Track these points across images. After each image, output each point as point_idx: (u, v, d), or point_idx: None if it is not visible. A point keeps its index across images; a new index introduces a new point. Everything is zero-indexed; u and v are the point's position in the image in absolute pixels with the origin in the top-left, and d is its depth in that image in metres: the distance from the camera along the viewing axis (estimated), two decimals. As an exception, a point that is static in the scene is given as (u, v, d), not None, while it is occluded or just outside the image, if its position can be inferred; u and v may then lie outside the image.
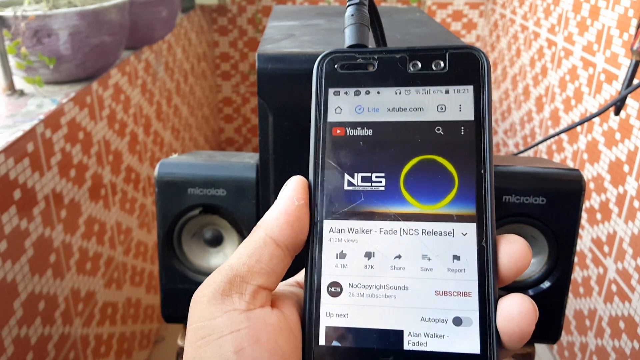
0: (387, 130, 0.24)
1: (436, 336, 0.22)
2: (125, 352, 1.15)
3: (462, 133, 0.23)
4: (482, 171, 0.23)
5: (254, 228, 0.24)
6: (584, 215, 1.22)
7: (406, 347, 0.22)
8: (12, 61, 0.86)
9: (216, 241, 0.53)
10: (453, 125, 0.24)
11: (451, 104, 0.24)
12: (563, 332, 1.05)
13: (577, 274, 1.25)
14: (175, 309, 0.53)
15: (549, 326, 0.53)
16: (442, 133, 0.24)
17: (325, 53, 0.25)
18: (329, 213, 0.23)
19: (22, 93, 0.87)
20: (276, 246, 0.23)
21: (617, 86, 1.10)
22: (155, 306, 1.37)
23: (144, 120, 1.28)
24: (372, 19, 0.32)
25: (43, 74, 0.89)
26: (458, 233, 0.23)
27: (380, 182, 0.23)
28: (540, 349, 1.38)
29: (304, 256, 0.23)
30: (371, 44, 0.32)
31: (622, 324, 1.04)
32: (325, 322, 0.22)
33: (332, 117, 0.24)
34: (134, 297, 1.21)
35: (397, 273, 0.22)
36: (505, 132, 1.90)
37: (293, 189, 0.23)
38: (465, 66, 0.24)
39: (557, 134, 0.68)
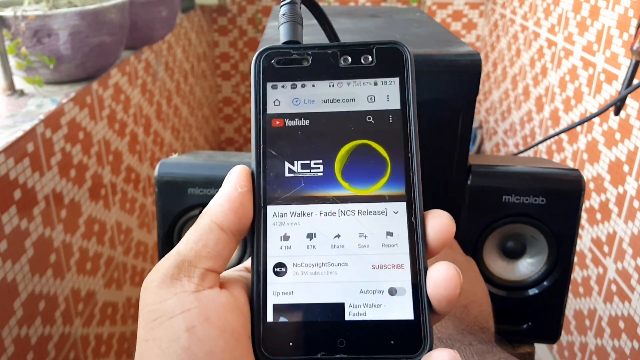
0: (323, 120, 0.26)
1: (374, 306, 0.24)
2: (125, 352, 1.15)
3: (391, 121, 0.26)
4: (410, 155, 0.25)
5: (200, 215, 0.25)
6: (583, 215, 1.22)
7: (347, 317, 0.24)
8: (12, 61, 0.86)
9: (216, 241, 0.53)
10: (382, 114, 0.26)
11: (380, 94, 0.26)
12: (563, 332, 1.05)
13: (577, 274, 1.25)
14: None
15: (548, 326, 0.53)
16: (373, 121, 0.26)
17: (261, 49, 0.27)
18: (272, 199, 0.25)
19: (22, 93, 0.87)
20: (221, 231, 0.24)
21: (617, 86, 1.10)
22: (155, 306, 1.37)
23: (144, 120, 1.28)
24: (320, 18, 0.35)
25: (43, 74, 0.89)
26: (390, 212, 0.25)
27: (319, 168, 0.25)
28: (540, 348, 1.38)
29: (251, 240, 0.25)
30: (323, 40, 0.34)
31: (621, 324, 1.04)
32: (272, 300, 0.24)
33: (271, 109, 0.26)
34: (134, 297, 1.21)
35: (337, 251, 0.25)
36: (505, 132, 1.90)
37: (236, 177, 0.25)
38: (391, 60, 0.27)
39: (557, 134, 0.68)
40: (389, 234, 0.25)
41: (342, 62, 0.27)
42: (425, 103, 0.46)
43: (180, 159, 0.52)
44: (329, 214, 0.25)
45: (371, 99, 0.26)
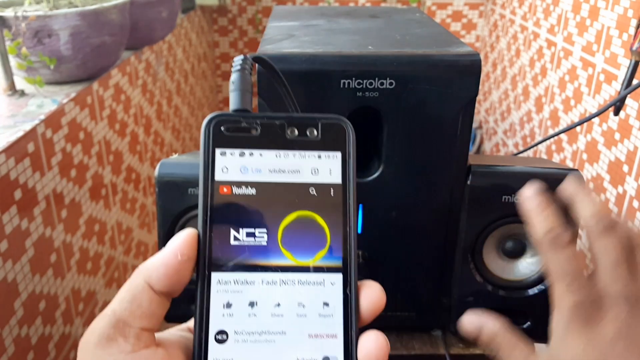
0: (268, 190, 0.27)
1: None
2: (125, 352, 1.15)
3: (332, 194, 0.27)
4: (347, 228, 0.26)
5: (135, 271, 0.25)
6: (583, 215, 1.22)
7: None
8: (13, 61, 0.86)
9: (216, 241, 0.53)
10: (324, 187, 0.27)
11: (323, 167, 0.27)
12: (563, 332, 1.05)
13: (576, 274, 1.25)
14: (175, 308, 0.53)
15: (548, 326, 0.53)
16: (315, 194, 0.27)
17: (212, 116, 0.28)
18: (216, 266, 0.26)
19: (22, 93, 0.88)
20: (153, 292, 0.25)
21: (617, 86, 1.11)
22: (155, 306, 1.37)
23: (144, 121, 1.28)
24: (278, 81, 0.35)
25: (44, 74, 0.89)
26: (328, 283, 0.26)
27: (263, 237, 0.26)
28: (540, 349, 1.38)
29: (194, 306, 0.26)
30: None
31: (621, 324, 1.04)
32: None
33: (219, 176, 0.27)
34: (134, 297, 1.21)
35: (276, 320, 0.25)
36: (505, 132, 1.90)
37: (179, 243, 0.25)
38: (334, 134, 0.27)
39: (557, 134, 0.68)
40: (325, 304, 0.26)
41: (289, 134, 0.27)
42: (426, 103, 0.46)
43: (181, 159, 0.52)
44: (271, 282, 0.26)
45: (315, 171, 0.27)
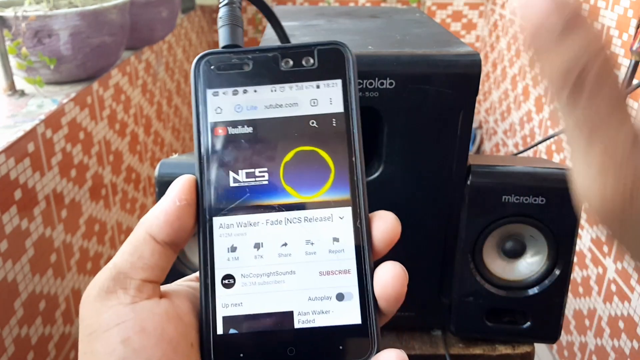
0: (266, 127, 0.25)
1: (322, 312, 0.24)
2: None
3: (334, 124, 0.25)
4: (353, 159, 0.25)
5: (137, 225, 0.25)
6: (583, 215, 1.22)
7: (296, 325, 0.24)
8: (13, 61, 0.86)
9: (216, 241, 0.53)
10: (325, 118, 0.26)
11: (322, 97, 0.26)
12: (562, 332, 1.06)
13: (576, 274, 1.25)
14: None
15: (548, 326, 0.53)
16: (317, 126, 0.25)
17: (201, 55, 0.26)
18: (217, 210, 0.25)
19: (22, 93, 0.87)
20: (156, 243, 0.24)
21: (617, 86, 1.10)
22: (155, 306, 1.38)
23: (144, 121, 1.28)
24: (269, 17, 0.34)
25: (44, 74, 0.89)
26: (336, 217, 0.25)
27: (263, 176, 0.25)
28: (540, 348, 1.38)
29: (198, 252, 0.25)
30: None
31: (621, 324, 1.04)
32: (221, 313, 0.24)
33: (212, 117, 0.26)
34: (134, 297, 1.21)
35: (284, 260, 0.24)
36: (505, 132, 1.90)
37: (177, 190, 0.25)
38: (333, 61, 0.26)
39: (557, 134, 0.68)
40: (335, 239, 0.25)
41: (284, 65, 0.26)
42: (425, 103, 0.46)
43: (181, 159, 0.52)
44: (276, 222, 0.25)
45: (314, 102, 0.26)
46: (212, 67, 0.26)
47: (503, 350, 0.55)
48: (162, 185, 0.50)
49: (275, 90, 0.26)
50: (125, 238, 1.08)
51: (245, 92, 0.26)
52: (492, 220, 0.51)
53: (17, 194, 0.70)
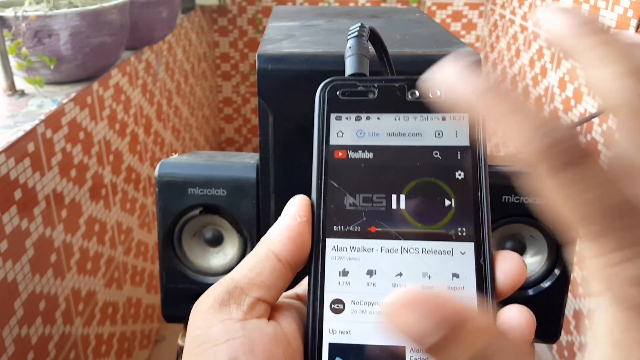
0: (387, 154, 0.25)
1: None
2: (125, 351, 1.15)
3: (459, 157, 0.25)
4: (479, 193, 0.24)
5: (258, 243, 0.24)
6: (583, 215, 1.22)
7: None
8: (13, 61, 0.86)
9: (216, 241, 0.53)
10: (450, 150, 0.25)
11: (448, 130, 0.25)
12: (563, 332, 1.05)
13: (576, 274, 1.25)
14: (175, 308, 0.53)
15: (548, 326, 0.53)
16: (440, 157, 0.25)
17: (327, 80, 0.27)
18: (331, 232, 0.24)
19: (22, 93, 0.88)
20: (277, 261, 0.23)
21: (617, 86, 1.10)
22: (155, 306, 1.38)
23: (144, 121, 1.28)
24: (380, 51, 0.34)
25: (44, 74, 0.89)
26: (457, 252, 0.24)
27: (381, 202, 0.24)
28: (540, 348, 1.38)
29: (308, 273, 0.24)
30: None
31: (621, 324, 1.04)
32: (328, 339, 0.23)
33: (334, 140, 0.25)
34: (134, 296, 1.21)
35: None
36: (505, 132, 1.90)
37: (296, 207, 0.24)
38: None
39: (557, 134, 0.68)
40: (455, 275, 0.23)
41: (409, 96, 0.26)
42: (425, 103, 0.46)
43: (181, 159, 0.52)
44: (391, 250, 0.24)
45: (439, 134, 0.25)
46: (337, 92, 0.26)
47: (503, 351, 0.55)
48: (162, 185, 0.50)
49: (399, 119, 0.26)
50: (126, 238, 1.09)
51: (368, 118, 0.26)
52: (492, 221, 0.51)
53: (17, 194, 0.70)
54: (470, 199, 0.24)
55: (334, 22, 0.58)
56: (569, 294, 0.53)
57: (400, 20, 0.60)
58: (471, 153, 0.25)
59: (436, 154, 0.25)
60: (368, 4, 2.13)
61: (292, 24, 0.57)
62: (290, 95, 0.45)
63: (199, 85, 1.97)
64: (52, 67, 0.86)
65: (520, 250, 0.53)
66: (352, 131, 0.25)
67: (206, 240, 0.53)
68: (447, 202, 0.24)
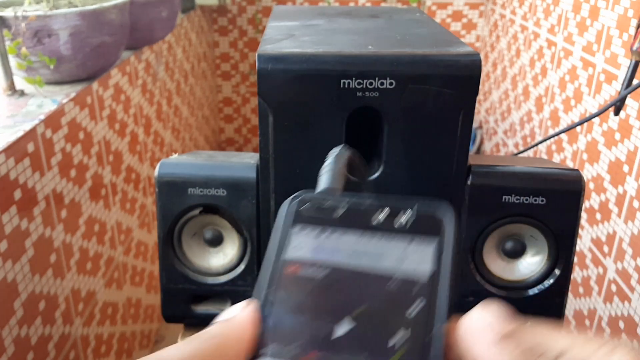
0: (342, 275, 0.24)
1: None
2: (125, 351, 1.15)
3: (419, 288, 0.23)
4: (435, 329, 0.22)
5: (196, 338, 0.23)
6: (583, 215, 1.22)
7: None
8: (13, 61, 0.86)
9: (216, 241, 0.53)
10: (409, 279, 0.23)
11: (411, 257, 0.24)
12: (563, 332, 1.05)
13: (576, 274, 1.25)
14: (175, 308, 0.53)
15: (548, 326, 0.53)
16: (397, 286, 0.23)
17: (298, 193, 0.26)
18: (267, 350, 0.23)
19: (22, 93, 0.87)
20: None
21: (617, 86, 1.11)
22: (155, 306, 1.38)
23: (144, 121, 1.28)
24: (359, 174, 0.34)
25: (43, 74, 0.89)
26: None
27: (326, 326, 0.23)
28: None
29: None
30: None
31: (621, 324, 1.04)
32: None
33: (290, 253, 0.25)
34: (134, 297, 1.21)
35: None
36: (505, 132, 1.90)
37: (238, 320, 0.23)
38: (430, 221, 0.24)
39: (557, 134, 0.68)
40: None
41: (377, 217, 0.25)
42: (425, 103, 0.46)
43: (181, 159, 0.52)
44: None
45: (401, 260, 0.24)
46: (304, 205, 0.25)
47: (503, 351, 0.55)
48: (162, 185, 0.50)
49: (361, 241, 0.24)
50: (125, 238, 1.09)
51: (329, 236, 0.25)
52: (492, 220, 0.51)
53: (17, 194, 0.70)
54: (421, 338, 0.22)
55: (334, 22, 0.58)
56: (569, 294, 0.53)
57: (400, 20, 0.60)
58: (432, 284, 0.23)
59: (395, 281, 0.23)
60: (368, 4, 2.13)
61: (292, 24, 0.57)
62: (290, 95, 0.45)
63: (198, 85, 1.97)
64: (52, 67, 0.86)
65: (520, 250, 0.53)
66: (310, 247, 0.25)
67: (206, 240, 0.53)
68: (398, 337, 0.22)
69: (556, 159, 1.40)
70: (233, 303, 0.44)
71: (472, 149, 2.16)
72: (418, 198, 0.25)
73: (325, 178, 0.29)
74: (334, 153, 0.30)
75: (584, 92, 1.25)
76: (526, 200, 0.49)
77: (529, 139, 1.65)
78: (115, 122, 1.08)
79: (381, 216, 0.25)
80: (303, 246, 0.25)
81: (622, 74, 1.09)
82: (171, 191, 0.50)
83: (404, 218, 0.24)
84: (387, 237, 0.24)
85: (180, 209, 0.50)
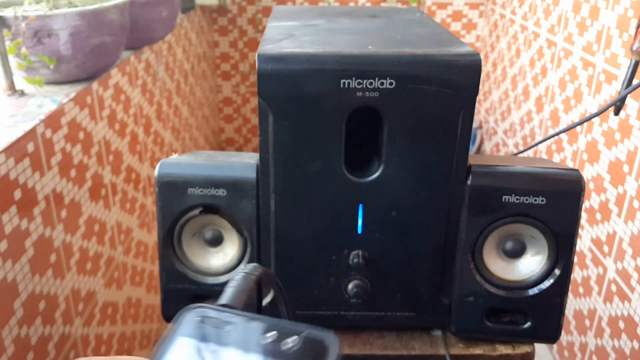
0: None
1: None
2: (125, 351, 1.15)
3: None
4: None
5: None
6: (583, 215, 1.22)
7: None
8: (13, 61, 0.86)
9: (216, 241, 0.53)
10: None
11: None
12: (563, 332, 1.06)
13: (576, 274, 1.25)
14: (175, 308, 0.53)
15: (548, 326, 0.53)
16: None
17: (195, 305, 0.26)
18: None
19: (22, 93, 0.87)
20: None
21: (617, 86, 1.11)
22: (155, 306, 1.38)
23: (144, 121, 1.28)
24: (277, 290, 0.36)
25: (43, 74, 0.89)
26: None
27: None
28: (540, 348, 1.38)
29: None
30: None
31: (621, 324, 1.04)
32: None
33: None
34: (134, 297, 1.21)
35: None
36: (505, 132, 1.90)
37: None
38: (316, 351, 0.25)
39: (557, 134, 0.68)
40: None
41: (264, 338, 0.25)
42: (425, 103, 0.46)
43: (181, 159, 0.52)
44: None
45: None
46: (196, 317, 0.26)
47: (503, 351, 0.55)
48: (162, 185, 0.50)
49: (242, 358, 0.24)
50: (125, 238, 1.09)
51: (213, 349, 0.25)
52: (492, 220, 0.51)
53: (17, 194, 0.70)
54: None
55: (334, 22, 0.58)
56: (569, 294, 0.53)
57: (400, 20, 0.60)
58: None
59: None
60: (368, 4, 2.13)
61: (292, 24, 0.57)
62: (290, 95, 0.45)
63: (198, 85, 1.97)
64: (51, 67, 0.86)
65: (521, 250, 0.53)
66: (188, 356, 0.25)
67: (206, 240, 0.53)
68: None
69: (556, 159, 1.40)
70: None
71: (472, 149, 2.16)
72: (309, 326, 0.25)
73: (228, 293, 0.30)
74: (245, 270, 0.31)
75: (584, 92, 1.25)
76: (526, 200, 0.49)
77: (529, 139, 1.65)
78: (115, 122, 1.08)
79: (269, 338, 0.25)
80: (183, 356, 0.25)
81: (622, 73, 1.09)
82: (171, 191, 0.50)
83: (290, 343, 0.25)
84: (268, 359, 0.24)
85: (180, 209, 0.50)
